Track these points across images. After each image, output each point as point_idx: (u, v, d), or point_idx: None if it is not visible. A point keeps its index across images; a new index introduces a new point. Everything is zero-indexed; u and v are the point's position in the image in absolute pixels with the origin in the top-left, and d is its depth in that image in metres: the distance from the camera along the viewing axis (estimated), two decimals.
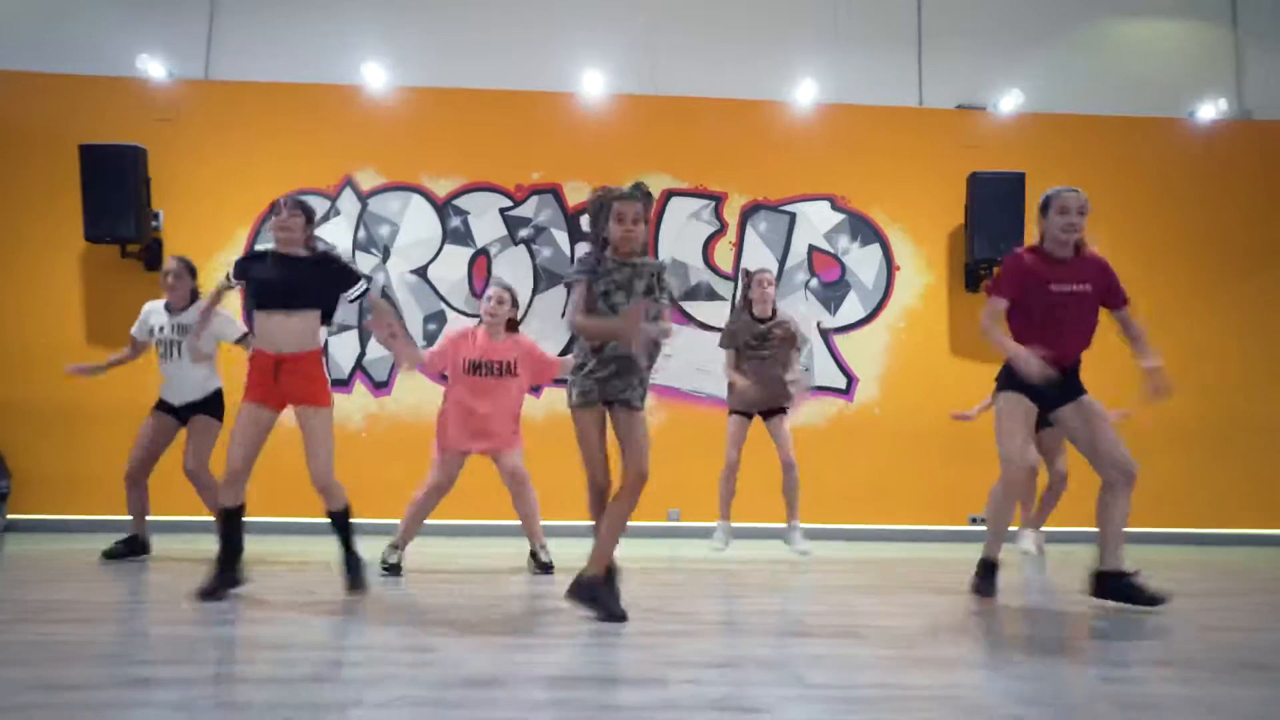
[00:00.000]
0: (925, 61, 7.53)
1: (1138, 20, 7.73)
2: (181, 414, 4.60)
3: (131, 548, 4.53)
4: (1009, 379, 3.64)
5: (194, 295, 4.70)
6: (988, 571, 3.80)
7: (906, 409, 7.00)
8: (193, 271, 4.74)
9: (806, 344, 5.21)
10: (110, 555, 4.46)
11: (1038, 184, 6.85)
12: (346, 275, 3.72)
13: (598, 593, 3.05)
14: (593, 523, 3.28)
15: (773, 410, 5.27)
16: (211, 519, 4.78)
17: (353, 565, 3.63)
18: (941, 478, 6.90)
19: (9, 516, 6.23)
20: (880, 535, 6.83)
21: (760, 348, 5.25)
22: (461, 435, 4.47)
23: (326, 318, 3.64)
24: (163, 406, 4.60)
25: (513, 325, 4.63)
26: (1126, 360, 3.81)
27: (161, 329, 4.62)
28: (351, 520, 3.73)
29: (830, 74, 7.36)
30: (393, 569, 4.26)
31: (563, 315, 6.88)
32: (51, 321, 6.63)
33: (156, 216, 6.63)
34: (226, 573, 3.44)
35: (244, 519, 3.54)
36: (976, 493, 6.83)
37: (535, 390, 6.59)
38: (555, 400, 6.67)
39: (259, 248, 3.93)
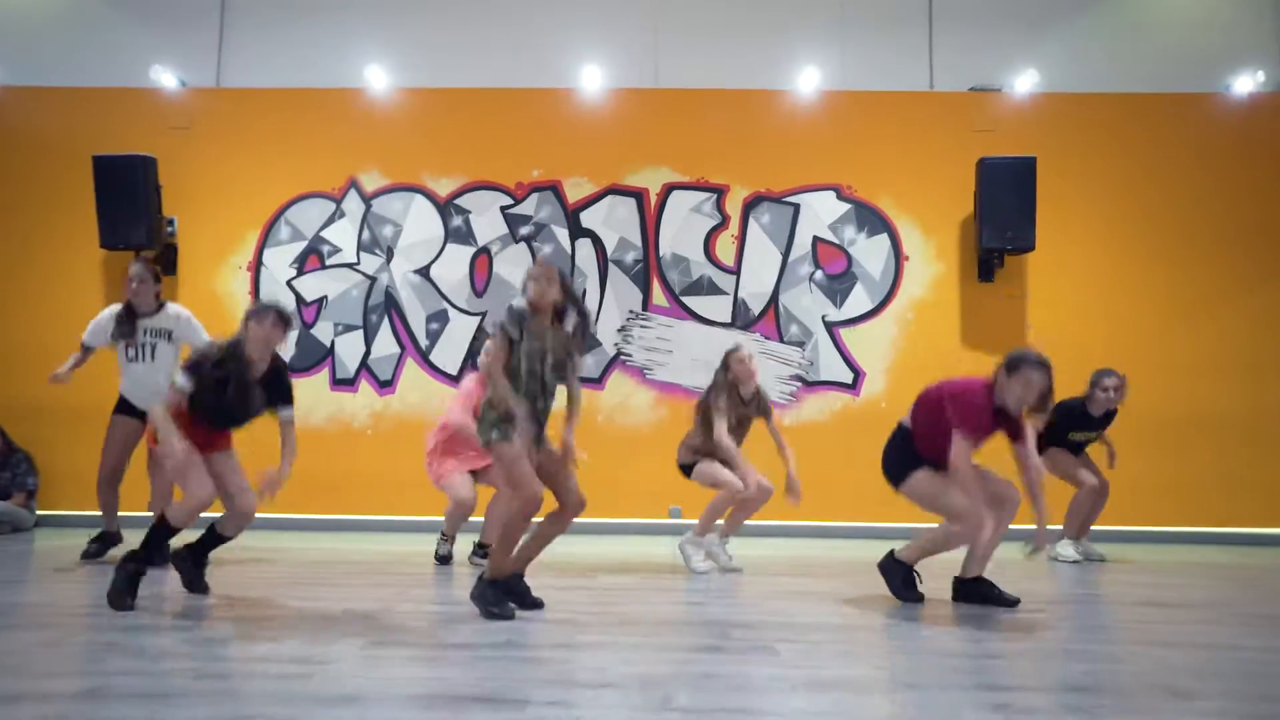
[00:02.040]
0: (936, 43, 7.27)
1: None
2: (143, 414, 4.71)
3: (105, 543, 4.71)
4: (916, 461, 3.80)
5: (159, 298, 4.72)
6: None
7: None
8: (157, 276, 4.75)
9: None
10: (89, 556, 4.65)
11: (1051, 168, 6.61)
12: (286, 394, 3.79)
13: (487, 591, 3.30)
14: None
15: None
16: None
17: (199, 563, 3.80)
18: None
19: (40, 512, 6.55)
20: (889, 534, 6.65)
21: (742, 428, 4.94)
22: (463, 461, 4.86)
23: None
24: (126, 408, 4.72)
25: None
26: None
27: (132, 332, 4.68)
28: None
29: (835, 60, 7.17)
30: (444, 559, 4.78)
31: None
32: (75, 326, 6.80)
33: (171, 223, 6.86)
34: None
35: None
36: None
37: None
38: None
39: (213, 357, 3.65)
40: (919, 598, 3.76)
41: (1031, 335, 6.68)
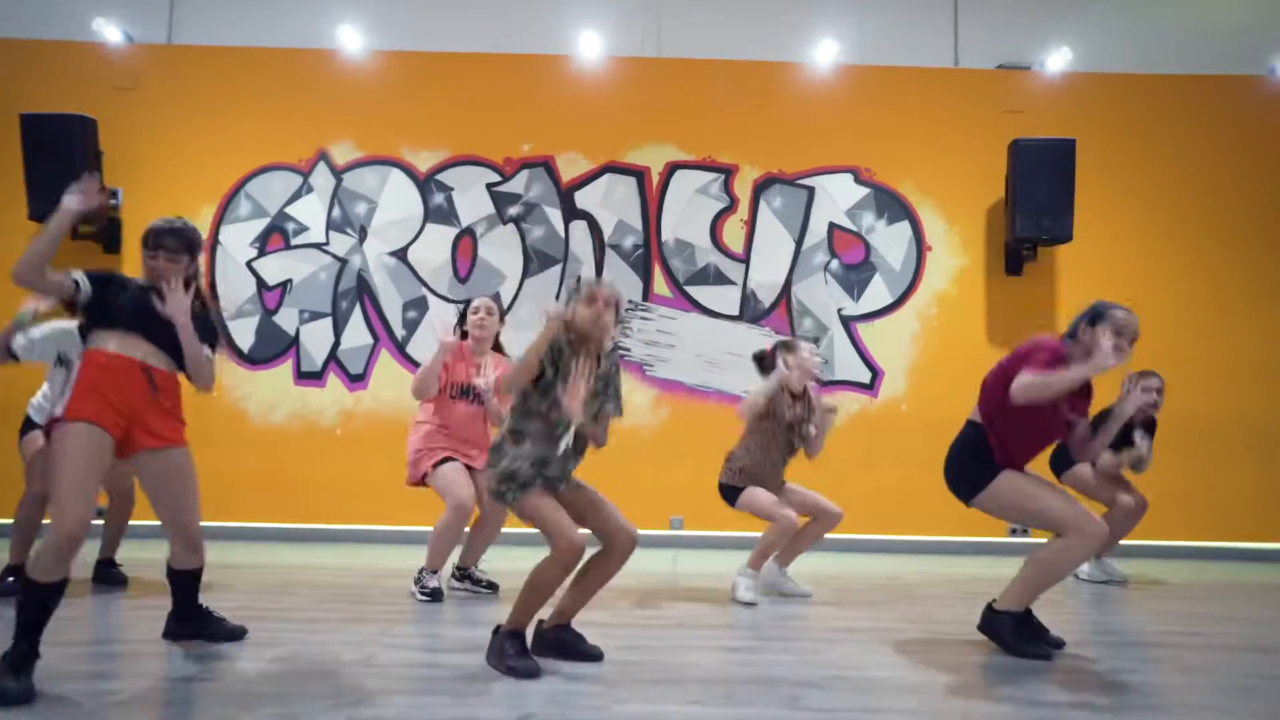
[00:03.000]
0: (962, 17, 6.73)
1: None
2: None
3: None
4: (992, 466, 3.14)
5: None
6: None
7: (937, 405, 6.24)
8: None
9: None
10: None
11: (1089, 152, 6.11)
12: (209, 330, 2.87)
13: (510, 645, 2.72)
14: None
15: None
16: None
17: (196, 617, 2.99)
18: None
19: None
20: (909, 547, 6.15)
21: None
22: (447, 449, 4.08)
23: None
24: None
25: (495, 343, 4.25)
26: None
27: None
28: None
29: (854, 32, 6.61)
30: (435, 593, 3.92)
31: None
32: None
33: (115, 194, 6.10)
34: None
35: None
36: None
37: None
38: None
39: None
40: (1046, 653, 3.02)
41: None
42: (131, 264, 6.10)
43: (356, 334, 6.24)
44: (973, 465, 3.18)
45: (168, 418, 2.72)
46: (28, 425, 3.92)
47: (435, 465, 4.01)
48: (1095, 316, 3.03)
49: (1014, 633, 3.05)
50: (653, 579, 4.62)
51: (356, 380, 6.24)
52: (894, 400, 6.33)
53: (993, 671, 2.85)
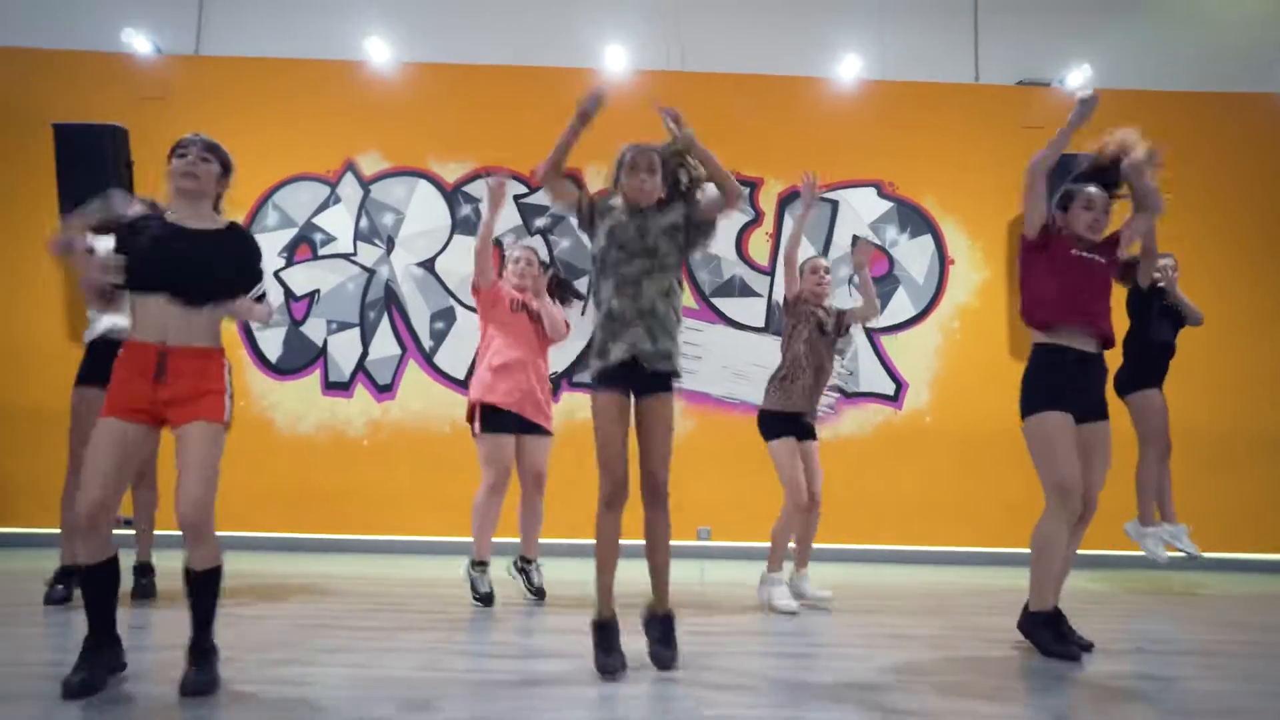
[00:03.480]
0: (982, 34, 6.83)
1: None
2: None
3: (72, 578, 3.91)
4: (1045, 388, 3.21)
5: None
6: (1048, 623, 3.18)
7: (961, 417, 6.32)
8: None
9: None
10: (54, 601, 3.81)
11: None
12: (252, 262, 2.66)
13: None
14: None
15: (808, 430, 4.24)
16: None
17: (203, 655, 2.45)
18: (1000, 493, 6.22)
19: None
20: (932, 558, 6.19)
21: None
22: (505, 392, 4.00)
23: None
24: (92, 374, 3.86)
25: (563, 287, 4.39)
26: None
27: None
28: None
29: (876, 48, 6.70)
30: (485, 599, 3.91)
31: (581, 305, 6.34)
32: (26, 317, 6.14)
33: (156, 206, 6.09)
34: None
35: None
36: (1040, 510, 6.19)
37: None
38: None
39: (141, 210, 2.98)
40: (1074, 653, 3.07)
41: None
42: None
43: (384, 344, 6.26)
44: (1027, 387, 3.29)
45: (185, 399, 2.47)
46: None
47: (485, 428, 3.99)
48: (1065, 200, 3.38)
49: (1044, 632, 3.12)
50: (684, 589, 4.62)
51: (384, 391, 6.24)
52: (918, 412, 6.37)
53: (1051, 679, 2.88)
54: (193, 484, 2.42)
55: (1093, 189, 3.35)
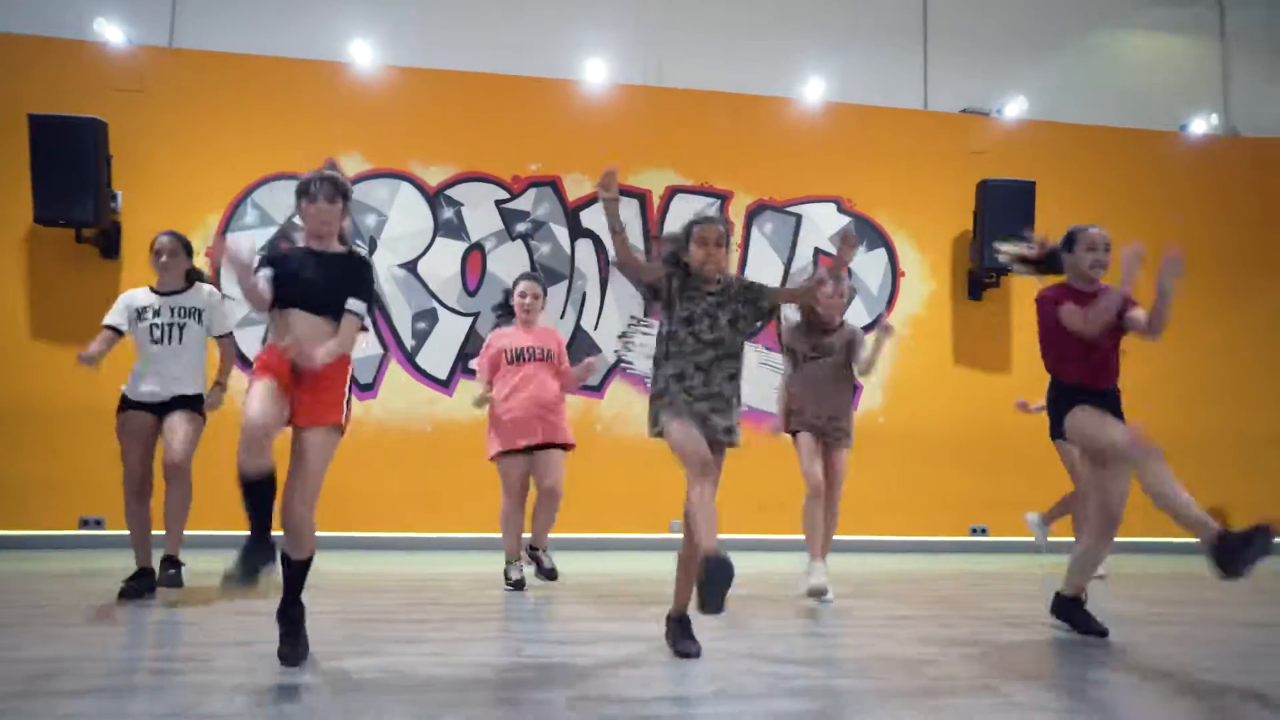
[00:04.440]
0: (931, 65, 7.43)
1: (1133, 33, 7.80)
2: (161, 409, 4.02)
3: (145, 580, 3.96)
4: (1066, 401, 3.50)
5: (191, 276, 4.13)
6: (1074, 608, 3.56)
7: (910, 418, 6.90)
8: (189, 249, 4.16)
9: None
10: (128, 595, 3.88)
11: (1046, 193, 6.87)
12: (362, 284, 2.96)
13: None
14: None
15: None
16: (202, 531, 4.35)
17: (294, 623, 2.82)
18: (945, 488, 6.84)
19: None
20: (883, 547, 6.72)
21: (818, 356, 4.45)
22: (513, 432, 4.36)
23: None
24: (134, 405, 4.00)
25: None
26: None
27: (157, 312, 4.00)
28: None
29: (838, 71, 7.18)
30: (517, 584, 4.33)
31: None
32: None
33: (115, 198, 5.98)
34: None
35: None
36: (980, 503, 6.83)
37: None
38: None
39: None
40: (1103, 630, 3.45)
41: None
42: (130, 270, 6.01)
43: (366, 344, 6.32)
44: (1053, 407, 3.59)
45: (315, 402, 2.78)
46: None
47: (497, 455, 4.39)
48: (1069, 241, 3.56)
49: (1081, 617, 3.50)
50: (664, 582, 4.95)
51: (366, 390, 6.32)
52: (873, 413, 6.90)
53: (1049, 643, 3.36)
54: (297, 491, 2.75)
55: (1094, 230, 3.58)
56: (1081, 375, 3.51)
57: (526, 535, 4.52)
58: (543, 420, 4.36)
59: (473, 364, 4.59)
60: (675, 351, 3.06)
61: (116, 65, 6.14)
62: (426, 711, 2.35)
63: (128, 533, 3.99)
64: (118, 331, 4.03)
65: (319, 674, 2.72)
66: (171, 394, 4.00)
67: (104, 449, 4.38)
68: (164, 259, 4.03)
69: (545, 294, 4.61)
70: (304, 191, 2.91)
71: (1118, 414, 3.53)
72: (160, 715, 2.27)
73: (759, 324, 3.19)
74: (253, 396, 2.69)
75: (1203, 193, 7.38)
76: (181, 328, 4.02)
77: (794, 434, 4.42)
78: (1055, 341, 3.54)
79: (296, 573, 2.85)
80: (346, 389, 2.87)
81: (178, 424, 3.97)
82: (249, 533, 2.69)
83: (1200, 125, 7.49)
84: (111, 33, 6.13)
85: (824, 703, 2.50)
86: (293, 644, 2.78)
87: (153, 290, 4.10)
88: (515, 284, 4.59)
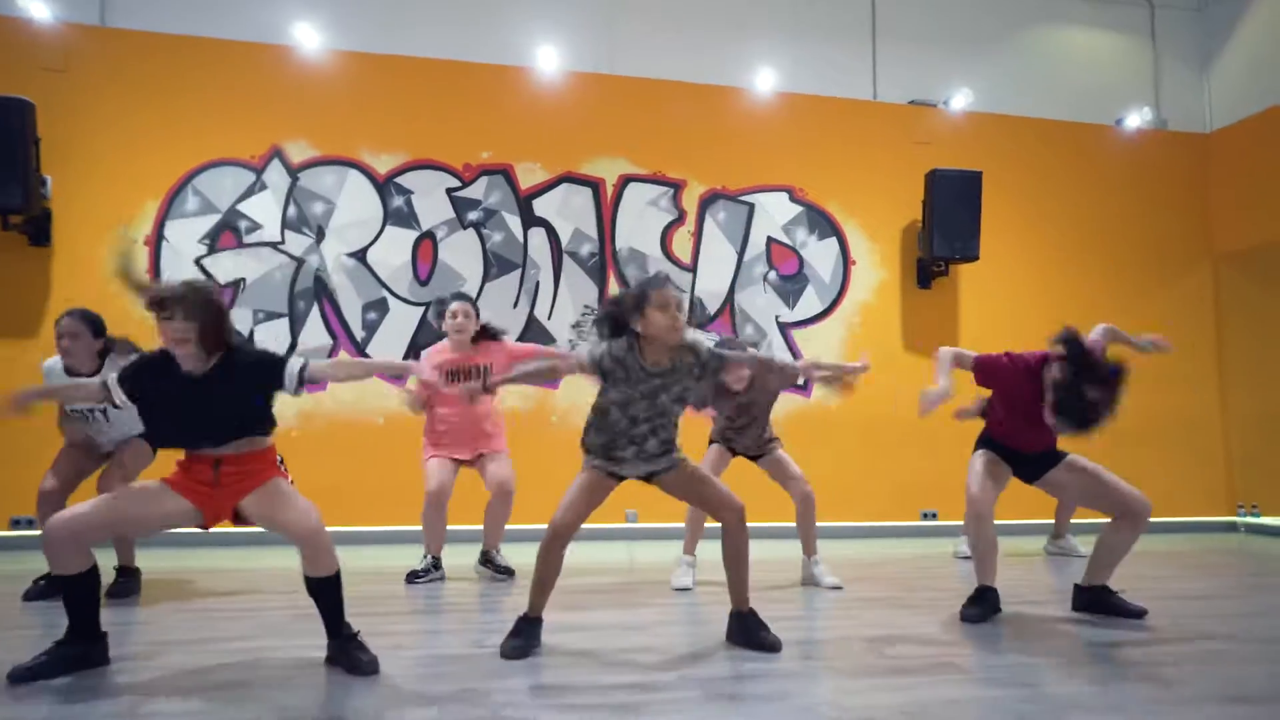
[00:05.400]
0: (879, 56, 7.52)
1: (1071, 29, 8.00)
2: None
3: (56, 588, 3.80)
4: (985, 443, 3.73)
5: (103, 353, 3.79)
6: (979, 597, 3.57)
7: (862, 404, 6.97)
8: (96, 326, 3.78)
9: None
10: (31, 596, 3.73)
11: (992, 183, 7.02)
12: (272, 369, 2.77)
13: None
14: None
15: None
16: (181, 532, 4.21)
17: (350, 641, 2.74)
18: (895, 473, 6.96)
19: None
20: (835, 533, 6.81)
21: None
22: (448, 446, 4.44)
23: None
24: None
25: (486, 333, 4.54)
26: None
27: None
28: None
29: (789, 62, 7.23)
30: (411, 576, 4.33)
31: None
32: None
33: (44, 183, 5.72)
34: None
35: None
36: (930, 488, 6.96)
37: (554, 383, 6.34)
38: (568, 403, 6.27)
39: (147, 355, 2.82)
40: (1140, 611, 3.51)
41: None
42: (62, 257, 5.78)
43: (314, 334, 6.18)
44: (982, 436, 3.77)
45: (245, 478, 2.70)
46: None
47: (426, 460, 4.42)
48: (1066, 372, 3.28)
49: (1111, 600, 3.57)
50: (626, 572, 4.96)
51: (315, 382, 6.15)
52: (824, 401, 6.98)
53: (1004, 623, 3.44)
54: (301, 517, 2.67)
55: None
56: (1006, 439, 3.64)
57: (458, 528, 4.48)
58: (475, 436, 4.43)
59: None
60: (604, 425, 2.98)
61: (43, 43, 5.86)
62: (386, 703, 2.30)
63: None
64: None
65: (274, 668, 2.65)
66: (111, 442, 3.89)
67: (35, 446, 4.21)
68: (65, 343, 3.68)
69: (477, 313, 4.52)
70: (153, 307, 2.58)
71: (1049, 462, 3.60)
72: (105, 716, 2.19)
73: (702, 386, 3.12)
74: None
75: (1136, 183, 7.63)
76: (103, 410, 3.75)
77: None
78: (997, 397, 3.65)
79: (323, 593, 2.72)
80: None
81: (119, 454, 3.86)
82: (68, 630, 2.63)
83: (1135, 119, 7.73)
84: (37, 8, 5.85)
85: (784, 684, 2.52)
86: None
87: (66, 371, 3.76)
88: (446, 303, 4.49)
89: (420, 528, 4.39)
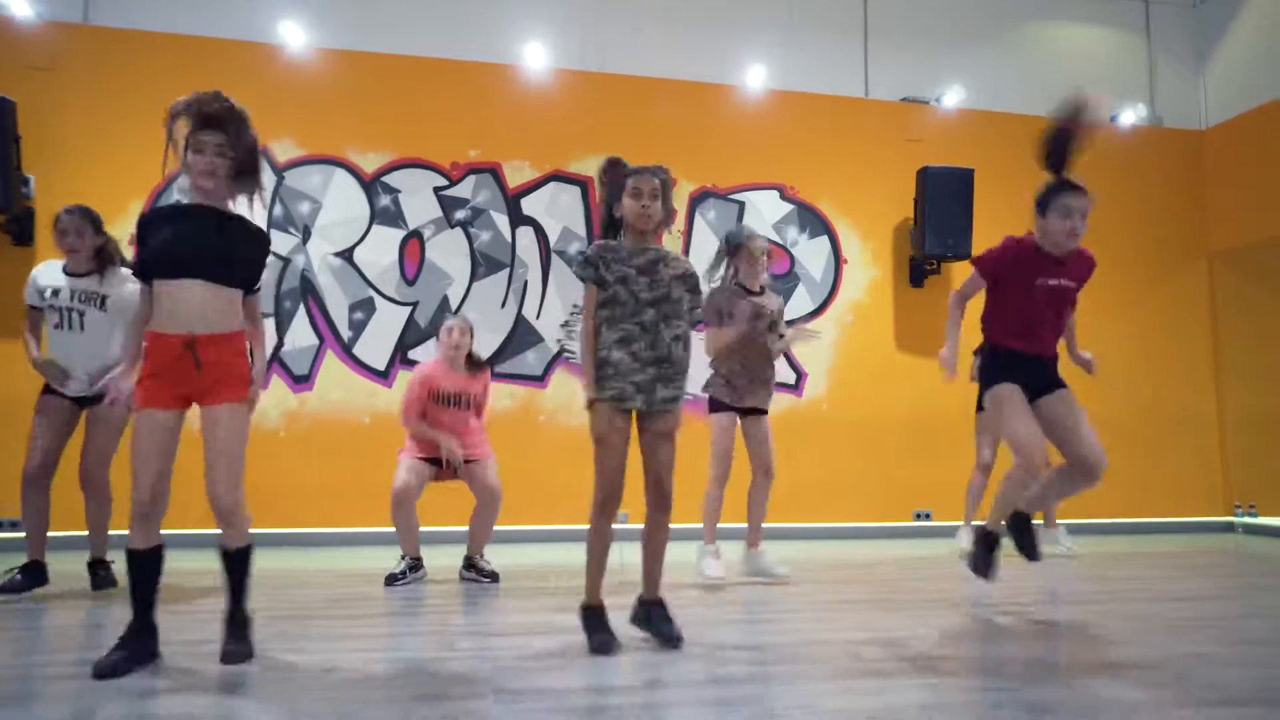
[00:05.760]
0: (871, 54, 7.46)
1: (1064, 25, 7.94)
2: (79, 401, 3.84)
3: (34, 578, 3.77)
4: (996, 371, 3.46)
5: (101, 254, 3.82)
6: (989, 544, 3.58)
7: (855, 404, 6.94)
8: (96, 223, 3.83)
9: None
10: (6, 589, 3.70)
11: (982, 180, 6.96)
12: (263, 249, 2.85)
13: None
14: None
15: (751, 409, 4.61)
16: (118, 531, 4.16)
17: (239, 626, 2.76)
18: (888, 474, 6.91)
19: None
20: (827, 533, 6.76)
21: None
22: (430, 448, 4.38)
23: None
24: (54, 391, 3.82)
25: (471, 360, 4.51)
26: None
27: (56, 293, 3.76)
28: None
29: (780, 59, 7.17)
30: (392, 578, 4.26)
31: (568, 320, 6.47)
32: None
33: (27, 183, 5.68)
34: (136, 641, 2.60)
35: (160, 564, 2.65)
36: (923, 488, 6.91)
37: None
38: (557, 404, 6.21)
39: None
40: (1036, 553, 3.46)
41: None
42: (45, 257, 5.70)
43: (301, 334, 6.13)
44: (983, 378, 3.54)
45: (218, 383, 2.63)
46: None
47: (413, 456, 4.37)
48: (1042, 204, 3.34)
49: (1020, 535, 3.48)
50: (615, 573, 4.89)
51: (301, 382, 6.12)
52: (817, 400, 6.93)
53: (987, 624, 3.38)
54: (224, 469, 2.61)
55: (1070, 197, 3.34)
56: (1017, 340, 3.41)
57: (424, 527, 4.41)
58: (464, 446, 4.38)
59: (399, 401, 4.48)
60: (612, 316, 2.90)
61: (25, 41, 5.83)
62: (347, 709, 2.25)
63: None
64: (38, 309, 3.82)
65: (238, 672, 2.60)
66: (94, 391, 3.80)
67: (12, 446, 4.16)
68: (69, 240, 3.75)
69: (473, 334, 4.52)
70: (189, 144, 2.63)
71: (1049, 385, 3.44)
72: (105, 718, 2.14)
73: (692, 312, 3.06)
74: (144, 447, 2.54)
75: (1130, 181, 7.56)
76: (84, 313, 3.76)
77: (712, 404, 4.52)
78: (993, 300, 3.47)
79: (238, 564, 2.75)
80: (249, 363, 2.75)
81: (88, 428, 3.83)
82: (132, 618, 2.62)
83: (1129, 116, 7.67)
84: (19, 6, 5.81)
85: (757, 688, 2.47)
86: (237, 647, 2.71)
87: (64, 270, 3.84)
88: (445, 321, 4.49)
89: (422, 529, 4.35)
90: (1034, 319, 3.42)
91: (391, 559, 4.52)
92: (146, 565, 2.60)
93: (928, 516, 6.95)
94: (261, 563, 4.80)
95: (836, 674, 2.62)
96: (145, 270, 2.62)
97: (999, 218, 7.20)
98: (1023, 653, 2.93)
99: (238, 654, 2.65)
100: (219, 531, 2.72)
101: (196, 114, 2.60)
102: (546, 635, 3.14)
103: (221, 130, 2.62)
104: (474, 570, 4.40)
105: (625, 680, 2.56)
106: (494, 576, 4.39)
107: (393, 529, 4.29)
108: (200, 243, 2.62)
